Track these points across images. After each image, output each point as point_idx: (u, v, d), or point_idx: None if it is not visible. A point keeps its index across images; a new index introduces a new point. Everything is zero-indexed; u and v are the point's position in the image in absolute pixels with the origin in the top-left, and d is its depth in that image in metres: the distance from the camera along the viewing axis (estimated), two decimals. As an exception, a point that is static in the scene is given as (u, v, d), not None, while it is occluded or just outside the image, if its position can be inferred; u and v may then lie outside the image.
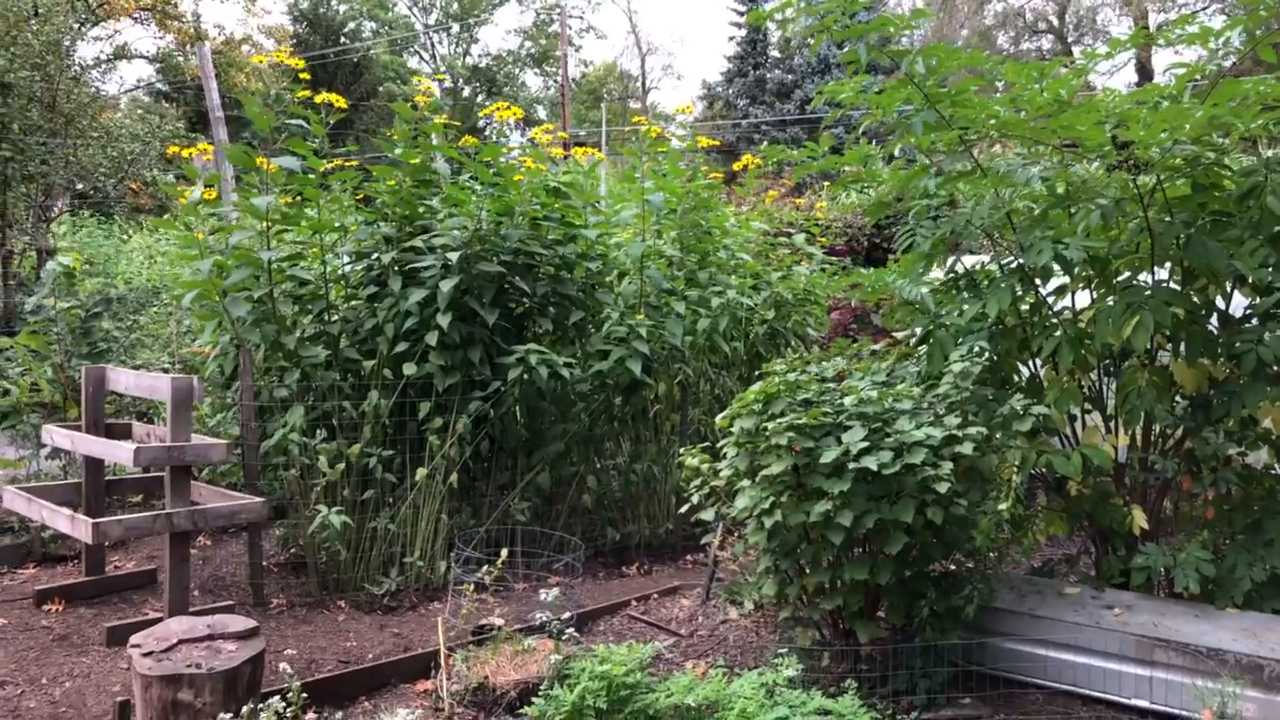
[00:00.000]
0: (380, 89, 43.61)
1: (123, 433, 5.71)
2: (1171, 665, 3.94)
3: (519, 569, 5.89)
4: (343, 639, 4.95)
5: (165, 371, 7.70)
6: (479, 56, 54.26)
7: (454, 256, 5.69)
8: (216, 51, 36.07)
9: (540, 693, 3.40)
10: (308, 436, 5.55)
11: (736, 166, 7.58)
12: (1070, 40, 39.87)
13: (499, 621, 4.58)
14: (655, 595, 5.71)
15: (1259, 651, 3.78)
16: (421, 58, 53.03)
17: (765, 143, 5.21)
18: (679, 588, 5.88)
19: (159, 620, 4.81)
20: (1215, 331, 4.51)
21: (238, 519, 4.97)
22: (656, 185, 6.54)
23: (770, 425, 3.80)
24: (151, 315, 9.33)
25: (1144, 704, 3.99)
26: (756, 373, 7.82)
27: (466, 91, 52.38)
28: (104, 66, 25.45)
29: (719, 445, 4.28)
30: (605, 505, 6.67)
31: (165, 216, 6.65)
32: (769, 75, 39.56)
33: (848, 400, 3.90)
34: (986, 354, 4.51)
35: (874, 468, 3.59)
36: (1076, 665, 4.16)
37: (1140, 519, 4.56)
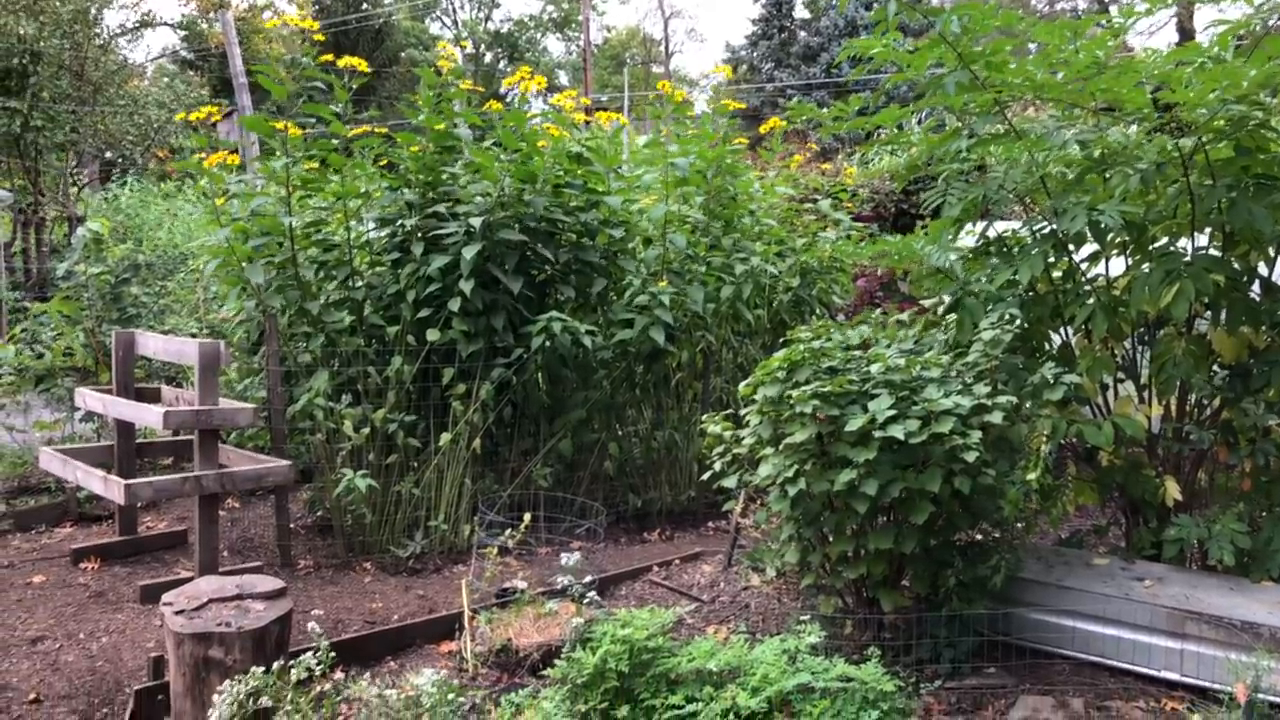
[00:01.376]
0: (402, 55, 43.43)
1: (152, 396, 5.76)
2: (1203, 638, 3.88)
3: (541, 534, 5.91)
4: (368, 600, 4.99)
5: (193, 337, 7.75)
6: (501, 21, 53.94)
7: (477, 222, 5.66)
8: (239, 18, 36.04)
9: (563, 655, 3.40)
10: (333, 401, 5.57)
11: (763, 130, 7.46)
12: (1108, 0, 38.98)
13: (522, 585, 4.59)
14: (677, 561, 5.71)
15: (1292, 625, 3.72)
16: (443, 23, 52.76)
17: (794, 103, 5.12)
18: (701, 554, 5.87)
19: (190, 579, 4.87)
20: (1257, 299, 4.40)
21: (265, 482, 5.00)
22: (682, 150, 6.46)
23: (795, 393, 3.75)
24: (179, 281, 9.38)
25: (1174, 676, 3.93)
26: (780, 340, 7.80)
27: (488, 57, 52.11)
28: (130, 35, 25.53)
29: (743, 413, 4.24)
30: (627, 472, 6.67)
31: (192, 182, 6.66)
32: (795, 38, 39.03)
33: (874, 368, 3.84)
34: (1017, 321, 4.43)
35: (900, 436, 3.54)
36: (1104, 636, 4.10)
37: (1174, 490, 4.49)
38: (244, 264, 5.62)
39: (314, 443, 5.50)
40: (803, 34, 38.99)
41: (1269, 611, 3.86)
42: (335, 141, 5.79)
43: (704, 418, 4.69)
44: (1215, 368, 4.53)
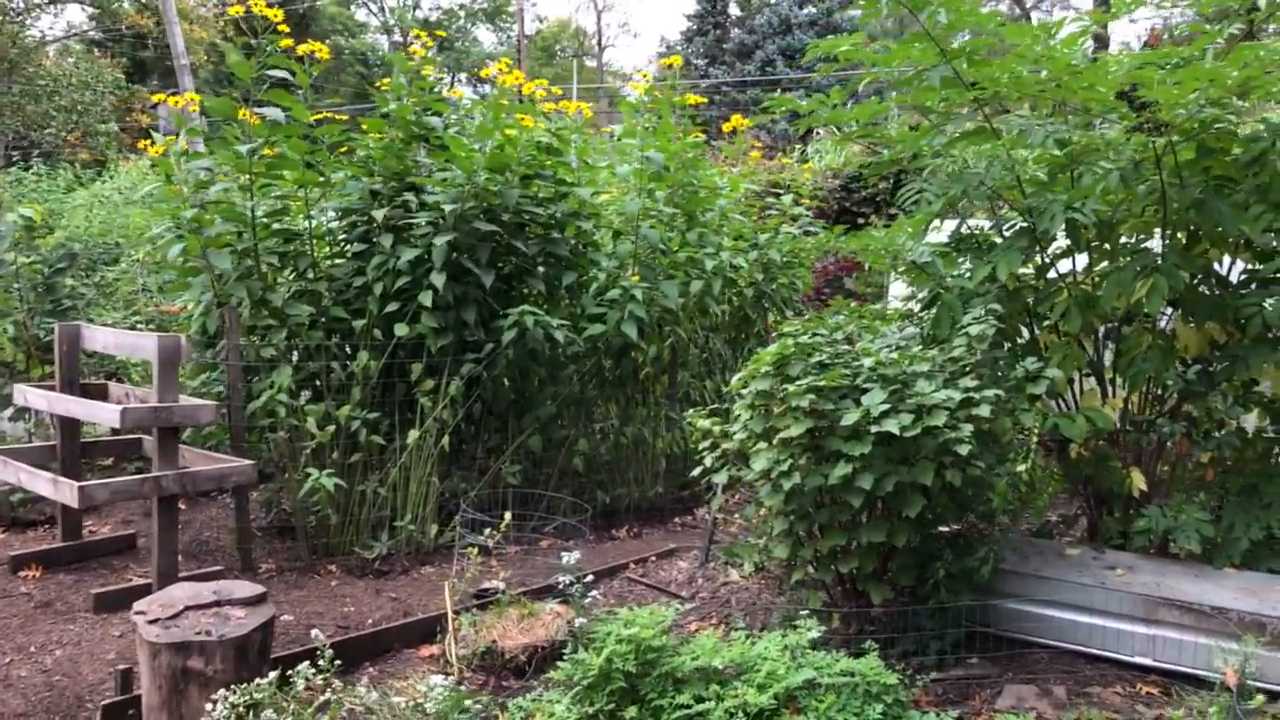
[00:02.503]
0: (327, 42, 42.48)
1: (98, 393, 5.51)
2: (1175, 624, 3.99)
3: (510, 532, 5.83)
4: (339, 604, 4.86)
5: (132, 330, 7.45)
6: (429, 10, 53.01)
7: (450, 210, 5.54)
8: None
9: (565, 656, 3.34)
10: (294, 398, 5.40)
11: (726, 128, 7.46)
12: (1029, 5, 40.00)
13: (500, 585, 4.51)
14: (653, 558, 5.68)
15: (1261, 610, 3.84)
16: (370, 10, 51.64)
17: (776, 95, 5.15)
18: (675, 550, 5.85)
19: (146, 586, 4.70)
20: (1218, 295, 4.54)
21: (227, 482, 4.83)
22: (655, 144, 6.41)
23: (790, 388, 3.75)
24: (113, 271, 9.00)
25: (1147, 661, 4.04)
26: (743, 335, 7.84)
27: (416, 46, 51.24)
28: (36, 11, 24.40)
29: (733, 408, 4.23)
30: (594, 468, 6.61)
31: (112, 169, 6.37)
32: (729, 35, 39.22)
33: (866, 362, 3.86)
34: (1000, 316, 4.49)
35: (895, 431, 3.56)
36: (1080, 625, 4.19)
37: (1139, 481, 4.60)
38: (207, 252, 5.41)
39: (277, 440, 5.33)
40: (737, 31, 39.20)
41: (1235, 597, 3.98)
42: (296, 125, 5.60)
43: (690, 412, 4.67)
44: (1177, 362, 4.67)
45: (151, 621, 3.34)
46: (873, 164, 5.09)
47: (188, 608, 3.44)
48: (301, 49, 5.65)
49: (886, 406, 3.66)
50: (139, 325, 7.58)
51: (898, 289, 8.99)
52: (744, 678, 3.24)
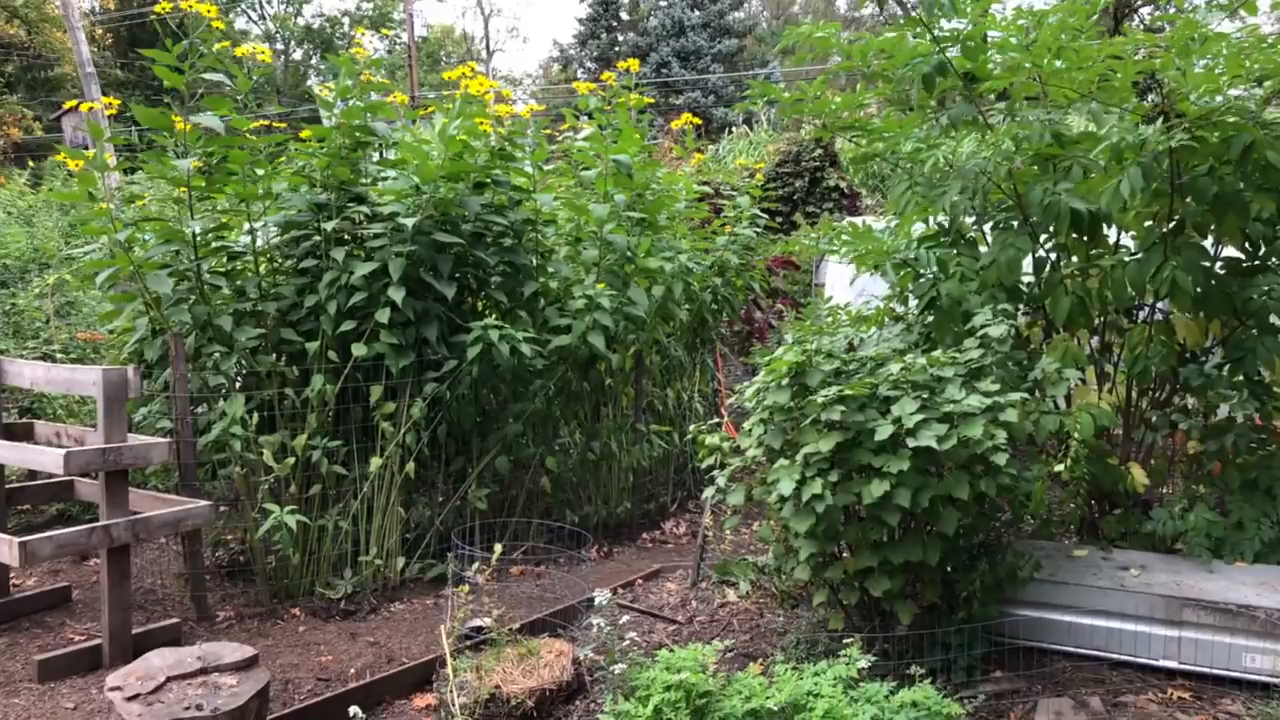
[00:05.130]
0: (206, 51, 40.67)
1: (23, 433, 4.97)
2: (1200, 624, 3.90)
3: (479, 560, 5.49)
4: (313, 652, 4.45)
5: (43, 360, 6.82)
6: (312, 17, 51.40)
7: (409, 224, 5.16)
8: (30, 6, 32.95)
9: (606, 709, 3.05)
10: (245, 429, 4.96)
11: (674, 125, 7.24)
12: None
13: (490, 622, 4.19)
14: (639, 580, 5.40)
15: (1288, 606, 3.78)
16: (250, 18, 49.86)
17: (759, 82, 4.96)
18: (660, 570, 5.59)
19: (94, 649, 4.23)
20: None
21: (183, 526, 4.38)
22: (612, 148, 6.13)
23: (818, 399, 3.52)
24: (20, 297, 8.28)
25: (1173, 664, 3.94)
26: (699, 339, 7.62)
27: (298, 54, 49.72)
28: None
29: (746, 424, 3.98)
30: (562, 487, 6.31)
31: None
32: (622, 38, 39.22)
33: (893, 368, 3.65)
34: (1018, 316, 4.37)
35: (934, 445, 3.36)
36: (1098, 629, 4.07)
37: (1140, 477, 4.52)
38: (144, 274, 4.92)
39: (235, 475, 4.88)
40: (630, 34, 39.17)
41: (1257, 593, 3.91)
42: (236, 136, 5.15)
43: (692, 428, 4.41)
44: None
45: (131, 698, 2.93)
46: (856, 157, 4.91)
47: (170, 678, 3.04)
48: (241, 50, 5.20)
49: (920, 417, 3.46)
50: (55, 356, 6.94)
51: (838, 288, 8.90)
52: (799, 718, 3.00)
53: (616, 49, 39.17)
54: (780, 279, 12.21)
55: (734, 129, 22.22)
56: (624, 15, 41.53)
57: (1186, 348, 4.57)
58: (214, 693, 3.00)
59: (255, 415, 5.06)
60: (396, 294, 5.13)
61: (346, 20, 52.02)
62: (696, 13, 37.84)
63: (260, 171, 5.29)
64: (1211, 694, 3.77)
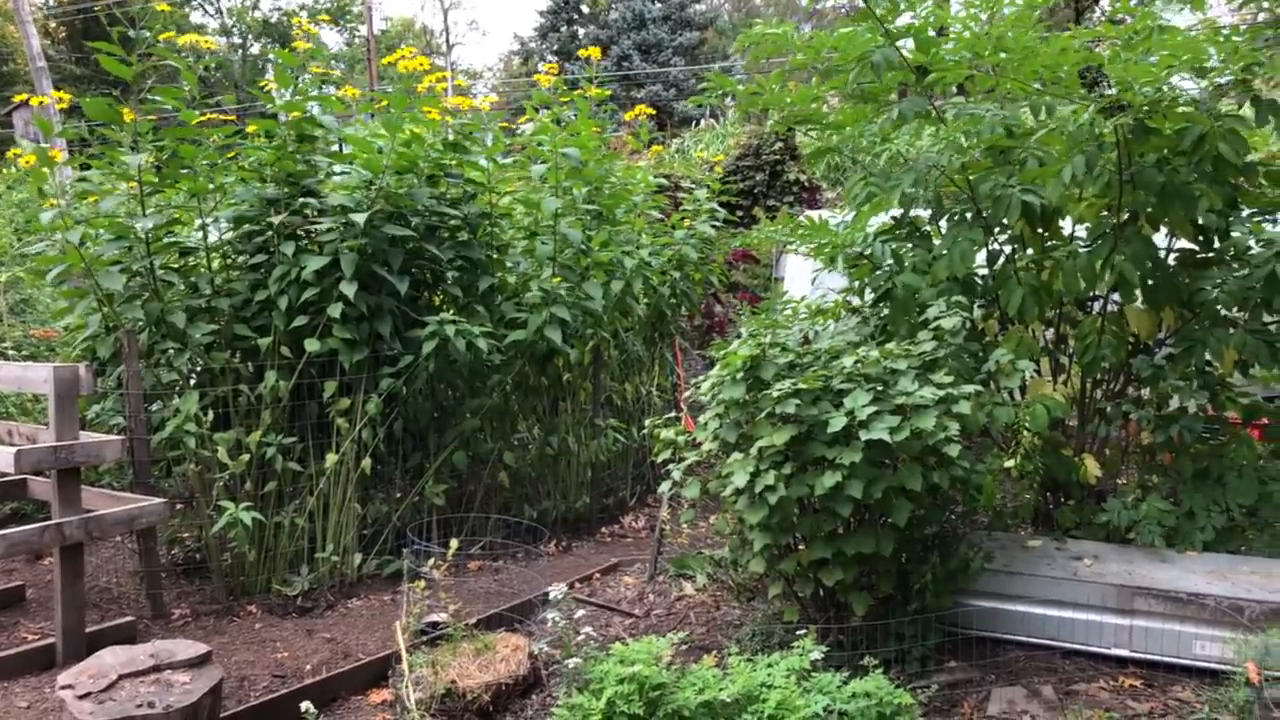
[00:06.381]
0: (160, 44, 40.00)
1: (-34, 431, 4.88)
2: (1151, 613, 3.94)
3: (436, 556, 5.46)
4: (269, 649, 4.41)
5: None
6: (269, 11, 50.69)
7: (360, 218, 5.11)
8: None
9: (561, 702, 3.04)
10: (200, 426, 4.90)
11: (628, 116, 7.23)
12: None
13: (447, 618, 4.17)
14: (597, 575, 5.39)
15: (1236, 593, 3.83)
16: (206, 11, 49.04)
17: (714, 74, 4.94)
18: (618, 565, 5.58)
19: (48, 648, 4.17)
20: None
21: (138, 524, 4.32)
22: (564, 140, 6.10)
23: (773, 392, 3.53)
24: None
25: (1124, 653, 3.99)
26: (657, 334, 7.61)
27: (256, 48, 49.04)
28: None
29: (702, 417, 3.98)
30: (520, 482, 6.28)
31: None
32: (583, 31, 39.14)
33: (846, 361, 3.67)
34: (969, 308, 4.40)
35: (886, 437, 3.38)
36: (1051, 619, 4.12)
37: (1093, 468, 4.58)
38: (96, 272, 4.84)
39: (190, 472, 4.81)
40: (591, 27, 39.08)
41: (1206, 581, 3.97)
42: (185, 128, 5.06)
43: (649, 422, 4.40)
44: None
45: (82, 696, 2.89)
46: (812, 152, 4.92)
47: (122, 676, 3.00)
48: (184, 39, 5.12)
49: (873, 409, 3.48)
50: (8, 353, 6.81)
51: (798, 282, 8.94)
52: (752, 709, 3.01)
53: (577, 42, 39.03)
54: (741, 273, 12.23)
55: (701, 122, 22.24)
56: (584, 8, 41.42)
57: (1139, 339, 4.63)
58: (166, 690, 2.96)
59: (210, 412, 4.99)
60: (349, 289, 5.08)
61: (304, 14, 51.39)
62: (657, 5, 37.80)
63: (210, 165, 5.21)
64: (1162, 681, 3.82)
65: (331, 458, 5.16)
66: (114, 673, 3.00)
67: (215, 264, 5.53)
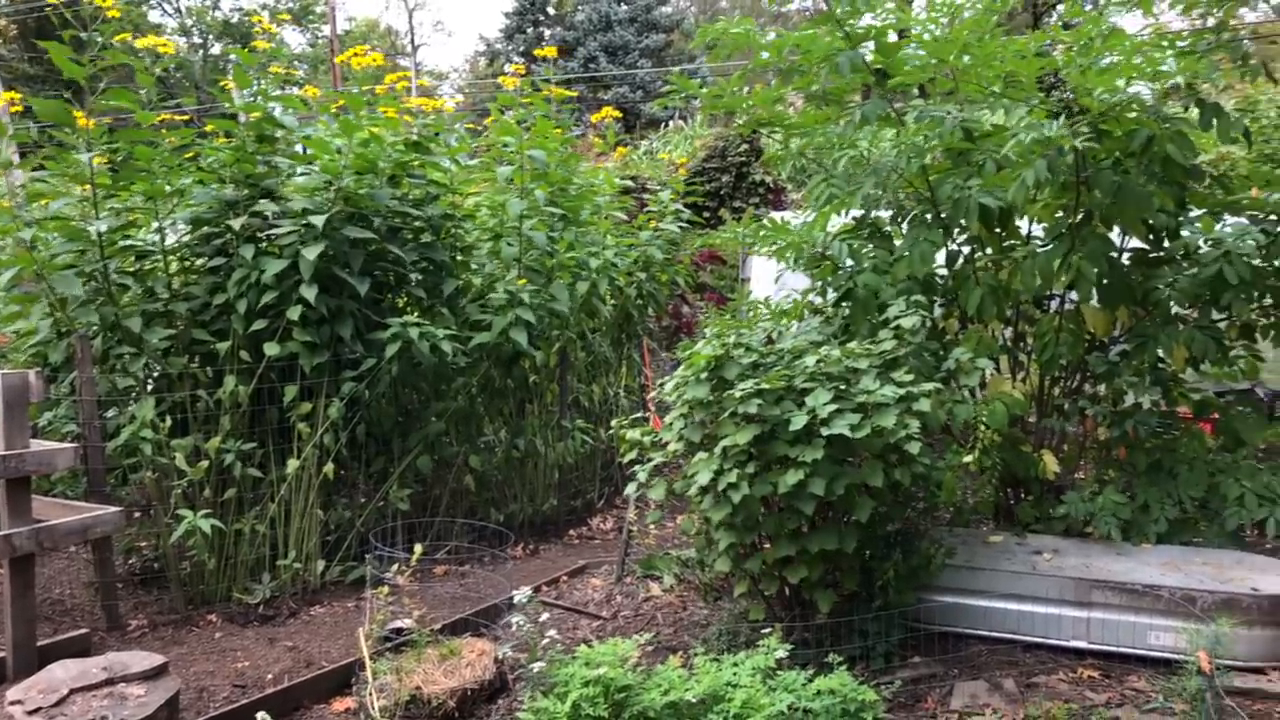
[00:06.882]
0: (116, 44, 39.30)
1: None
2: (1107, 605, 4.01)
3: (400, 561, 5.42)
4: (230, 659, 4.35)
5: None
6: (230, 11, 49.99)
7: (319, 220, 5.06)
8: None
9: (526, 706, 3.03)
10: (157, 432, 4.82)
11: (595, 119, 7.23)
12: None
13: (412, 624, 4.14)
14: (564, 577, 5.38)
15: (1189, 584, 3.90)
16: (164, 10, 48.25)
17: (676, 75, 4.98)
18: (586, 567, 5.57)
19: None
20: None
21: (92, 534, 4.24)
22: (529, 142, 6.09)
23: (736, 392, 3.54)
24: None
25: (1083, 644, 4.05)
26: (624, 335, 7.62)
27: (217, 48, 48.35)
28: None
29: (666, 417, 3.99)
30: (486, 485, 6.25)
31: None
32: (548, 32, 39.09)
33: (809, 360, 3.69)
34: (929, 307, 4.44)
35: (847, 434, 3.41)
36: (1011, 612, 4.17)
37: (1051, 464, 4.64)
38: (49, 276, 4.76)
39: (147, 480, 4.74)
40: (557, 28, 39.02)
41: (1161, 573, 4.04)
42: (141, 130, 4.99)
43: (615, 422, 4.40)
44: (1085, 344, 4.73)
45: (32, 712, 2.83)
46: (771, 156, 4.95)
47: (74, 690, 2.94)
48: (142, 43, 5.04)
49: (834, 407, 3.50)
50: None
51: (763, 283, 8.98)
52: (718, 709, 3.01)
53: (544, 43, 38.95)
54: (708, 274, 12.27)
55: (670, 123, 22.25)
56: (551, 10, 41.34)
57: (1096, 337, 4.70)
58: (120, 704, 2.91)
59: (167, 418, 4.92)
60: (308, 291, 5.03)
61: (266, 13, 50.70)
62: (623, 7, 37.83)
63: (167, 167, 5.14)
64: (1119, 672, 3.88)
65: (293, 463, 5.11)
66: (65, 687, 2.94)
67: (173, 267, 5.45)
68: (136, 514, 5.34)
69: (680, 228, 7.68)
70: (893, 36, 4.55)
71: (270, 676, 4.14)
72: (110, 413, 5.01)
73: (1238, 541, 4.40)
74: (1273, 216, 4.43)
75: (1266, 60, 5.06)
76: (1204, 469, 4.44)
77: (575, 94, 6.84)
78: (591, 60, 36.50)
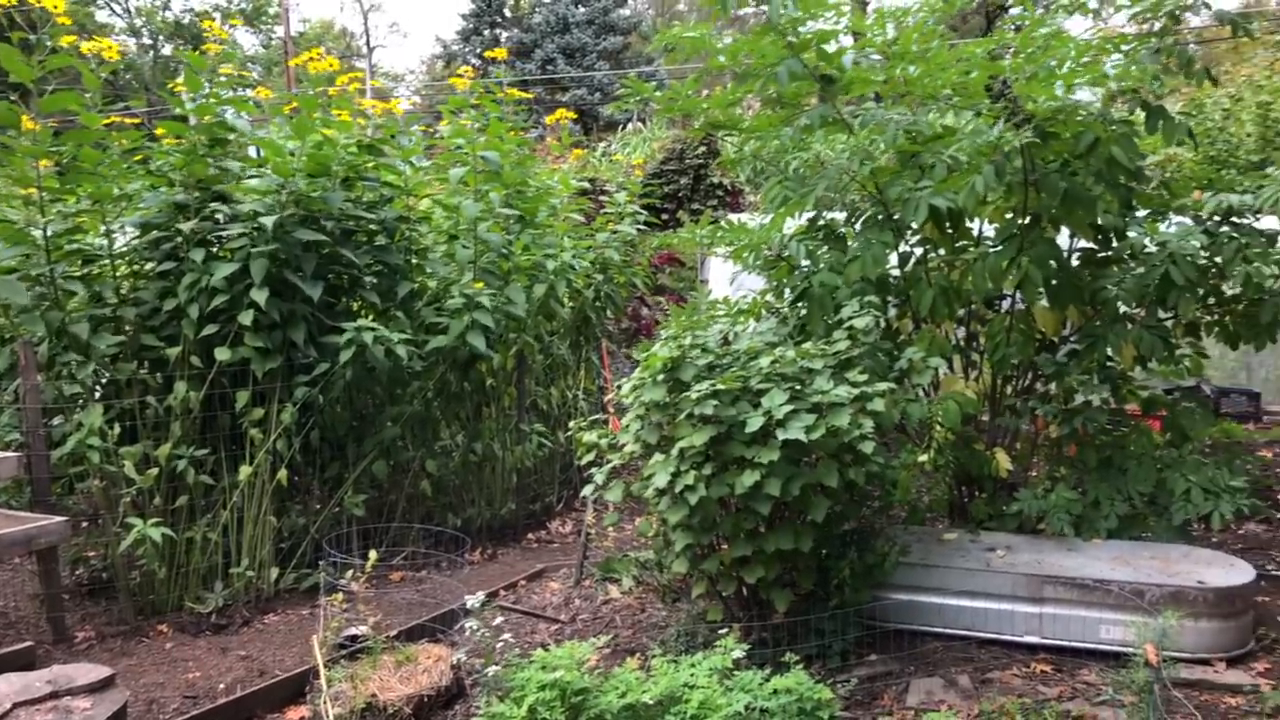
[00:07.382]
0: (63, 45, 38.57)
1: None
2: (1059, 600, 4.06)
3: (354, 567, 5.37)
4: (180, 669, 4.28)
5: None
6: (181, 12, 49.21)
7: (269, 222, 5.00)
8: None
9: (482, 711, 3.01)
10: (105, 440, 4.73)
11: (550, 120, 7.21)
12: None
13: (368, 630, 4.09)
14: (523, 581, 5.35)
15: (1138, 578, 3.97)
16: (114, 10, 47.39)
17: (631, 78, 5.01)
18: (544, 571, 5.55)
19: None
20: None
21: (36, 544, 4.16)
22: (481, 144, 6.05)
23: (692, 394, 3.55)
24: None
25: (1035, 640, 4.10)
26: (582, 337, 7.61)
27: (168, 49, 47.61)
28: None
29: (624, 419, 3.99)
30: (443, 490, 6.21)
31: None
32: (506, 34, 38.99)
33: (763, 362, 3.71)
34: (882, 308, 4.48)
35: (802, 437, 3.43)
36: (965, 609, 4.21)
37: (1004, 462, 4.70)
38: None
39: (94, 488, 4.65)
40: (515, 30, 38.92)
41: (1111, 568, 4.10)
42: (87, 131, 4.89)
43: (573, 424, 4.39)
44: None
45: (-29, 729, 2.76)
46: (727, 159, 4.97)
47: (17, 705, 2.87)
48: (87, 47, 4.95)
49: (790, 408, 3.52)
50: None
51: (721, 284, 9.02)
52: (675, 710, 3.02)
53: (501, 45, 38.84)
54: (667, 276, 12.30)
55: (629, 125, 22.26)
56: (507, 12, 41.24)
57: (1046, 336, 4.77)
58: (65, 717, 2.85)
59: (116, 425, 4.83)
60: (259, 295, 4.97)
61: (218, 15, 49.96)
62: (581, 9, 37.82)
63: (115, 170, 5.05)
64: (1071, 666, 3.94)
65: (245, 470, 5.04)
66: (8, 701, 2.88)
67: (121, 271, 5.35)
68: (84, 523, 5.23)
69: (638, 229, 7.68)
70: (846, 40, 4.58)
71: (222, 686, 4.08)
72: (56, 420, 4.91)
73: (1185, 535, 4.48)
74: (1215, 218, 4.53)
75: (1210, 64, 5.18)
76: (1152, 465, 4.52)
77: (530, 95, 6.82)
78: (549, 62, 36.44)
